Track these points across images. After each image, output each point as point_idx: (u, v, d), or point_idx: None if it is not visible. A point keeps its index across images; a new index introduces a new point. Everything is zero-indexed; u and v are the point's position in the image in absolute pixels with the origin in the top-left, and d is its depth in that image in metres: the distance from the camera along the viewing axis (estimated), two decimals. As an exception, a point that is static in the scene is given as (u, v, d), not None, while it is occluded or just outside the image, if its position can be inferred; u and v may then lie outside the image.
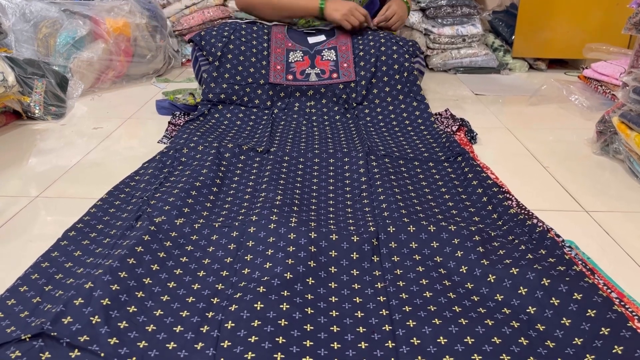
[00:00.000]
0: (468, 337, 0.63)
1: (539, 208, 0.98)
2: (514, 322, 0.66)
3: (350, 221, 0.90)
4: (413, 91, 1.46)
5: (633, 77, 1.14)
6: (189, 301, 0.70)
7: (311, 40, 1.57)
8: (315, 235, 0.82)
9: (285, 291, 0.70)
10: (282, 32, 1.58)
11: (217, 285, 0.73)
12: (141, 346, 0.61)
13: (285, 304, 0.68)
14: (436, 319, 0.66)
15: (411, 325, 0.65)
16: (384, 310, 0.69)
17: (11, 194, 1.05)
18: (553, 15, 2.12)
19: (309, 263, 0.76)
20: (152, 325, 0.65)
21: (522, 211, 0.95)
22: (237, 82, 1.46)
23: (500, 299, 0.70)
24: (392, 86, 1.48)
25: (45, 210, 0.99)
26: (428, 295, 0.71)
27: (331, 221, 0.89)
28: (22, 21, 1.70)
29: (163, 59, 2.03)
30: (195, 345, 0.62)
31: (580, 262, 0.80)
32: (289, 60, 1.51)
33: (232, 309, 0.66)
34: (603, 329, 0.63)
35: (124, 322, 0.64)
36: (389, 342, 0.63)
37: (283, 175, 1.05)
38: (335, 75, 1.49)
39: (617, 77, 1.58)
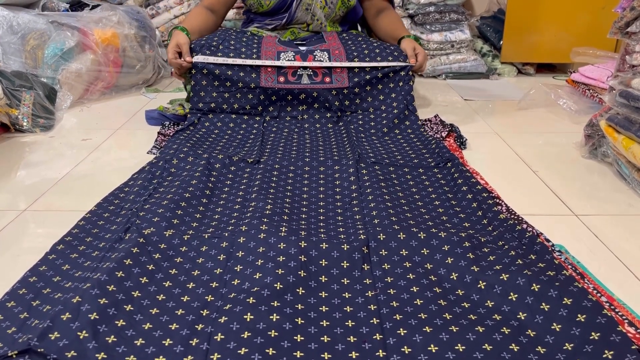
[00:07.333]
0: (459, 345, 0.63)
1: (529, 212, 0.98)
2: (504, 328, 0.66)
3: (341, 229, 0.89)
4: (407, 100, 1.46)
5: (619, 81, 1.15)
6: (179, 314, 0.69)
7: (302, 48, 1.56)
8: (306, 244, 0.81)
9: (275, 302, 0.70)
10: (273, 38, 1.57)
11: (206, 297, 0.72)
12: (130, 361, 0.61)
13: (275, 314, 0.67)
14: (427, 327, 0.66)
15: (402, 334, 0.65)
16: (374, 318, 0.68)
17: (-1, 208, 1.04)
18: (540, 20, 2.13)
19: (299, 273, 0.76)
20: (140, 339, 0.64)
21: (512, 216, 0.95)
22: (227, 89, 1.45)
23: (490, 305, 0.70)
24: (386, 95, 1.47)
25: (34, 224, 0.98)
26: (419, 303, 0.71)
27: (321, 230, 0.89)
28: (10, 33, 1.69)
29: (152, 69, 2.03)
30: (185, 359, 0.61)
31: (570, 267, 0.80)
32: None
33: (222, 321, 0.66)
34: (593, 333, 0.63)
35: (112, 336, 0.63)
36: (380, 351, 0.63)
37: (273, 185, 1.05)
38: (327, 79, 1.47)
39: (604, 80, 1.60)
